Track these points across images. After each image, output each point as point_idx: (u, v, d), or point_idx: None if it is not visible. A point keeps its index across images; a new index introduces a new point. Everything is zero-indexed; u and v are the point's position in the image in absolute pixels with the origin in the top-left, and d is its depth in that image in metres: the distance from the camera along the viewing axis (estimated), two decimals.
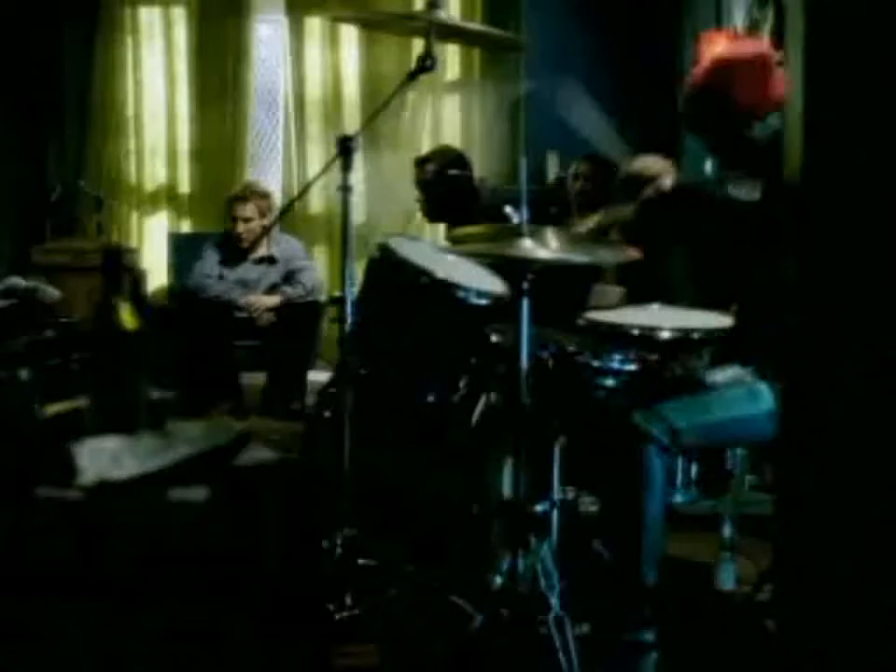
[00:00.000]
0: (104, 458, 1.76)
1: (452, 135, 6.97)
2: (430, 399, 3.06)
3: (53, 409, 1.96)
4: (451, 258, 3.10)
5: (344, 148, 2.82)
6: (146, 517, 1.67)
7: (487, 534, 3.04)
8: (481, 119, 6.83)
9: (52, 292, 4.63)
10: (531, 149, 6.48)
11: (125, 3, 6.97)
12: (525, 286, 2.71)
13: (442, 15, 2.85)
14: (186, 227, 7.06)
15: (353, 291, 2.93)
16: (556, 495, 2.92)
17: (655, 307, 3.49)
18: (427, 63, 2.81)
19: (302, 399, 5.64)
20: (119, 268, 1.87)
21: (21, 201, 6.86)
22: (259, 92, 7.06)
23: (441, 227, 6.85)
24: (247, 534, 1.72)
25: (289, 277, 5.72)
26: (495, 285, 3.07)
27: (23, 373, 1.91)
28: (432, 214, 4.85)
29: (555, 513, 2.89)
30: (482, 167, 6.69)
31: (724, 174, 5.00)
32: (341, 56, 6.95)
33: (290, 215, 6.93)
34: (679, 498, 2.99)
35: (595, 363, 2.84)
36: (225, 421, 2.14)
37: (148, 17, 7.02)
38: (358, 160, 6.83)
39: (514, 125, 6.70)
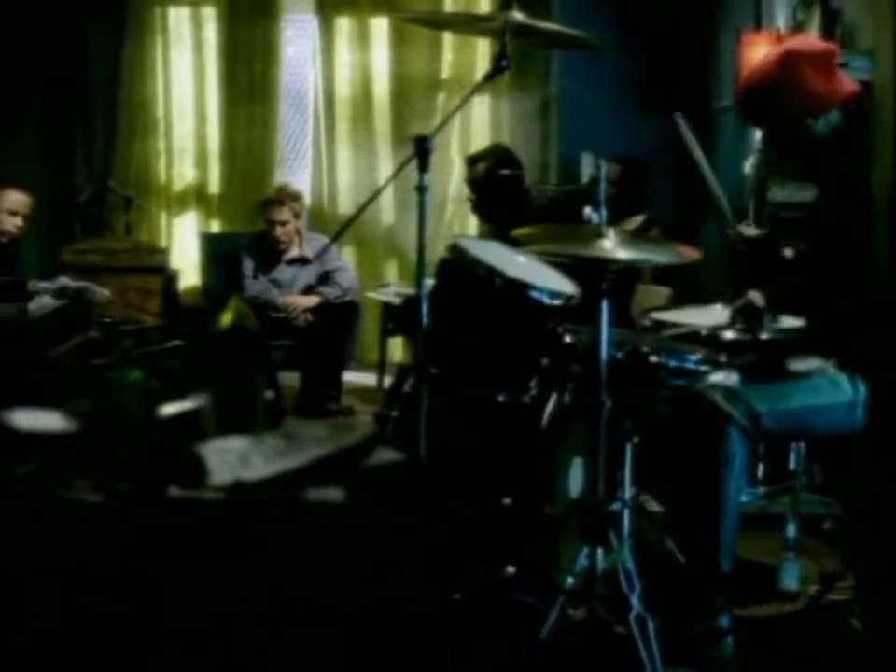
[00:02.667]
0: (231, 459, 1.76)
1: (480, 135, 6.98)
2: (501, 398, 3.06)
3: (167, 409, 1.96)
4: (520, 257, 3.10)
5: (421, 149, 2.82)
6: (285, 518, 1.66)
7: (558, 534, 3.04)
8: (509, 119, 6.83)
9: (102, 292, 4.63)
10: (565, 150, 6.52)
11: (154, 3, 6.97)
12: (605, 286, 2.71)
13: (517, 15, 2.85)
14: (215, 227, 7.07)
15: (424, 292, 2.91)
16: (628, 494, 2.93)
17: (718, 307, 3.50)
18: (503, 64, 2.81)
19: (338, 400, 5.65)
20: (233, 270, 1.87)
21: (50, 201, 6.85)
22: (287, 92, 7.06)
23: (473, 225, 6.87)
24: (380, 535, 1.73)
25: (324, 278, 5.73)
26: (565, 285, 3.07)
27: (136, 374, 1.92)
28: (483, 213, 4.85)
29: (627, 513, 2.90)
30: None
31: (769, 173, 5.04)
32: (370, 56, 6.95)
33: (319, 215, 6.95)
34: (744, 498, 3.00)
35: (673, 363, 2.85)
36: (349, 421, 2.14)
37: (177, 17, 7.03)
38: (387, 160, 6.88)
39: (545, 125, 6.71)
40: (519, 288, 2.98)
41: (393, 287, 6.07)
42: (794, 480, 3.37)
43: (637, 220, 5.31)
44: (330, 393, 5.58)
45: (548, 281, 3.04)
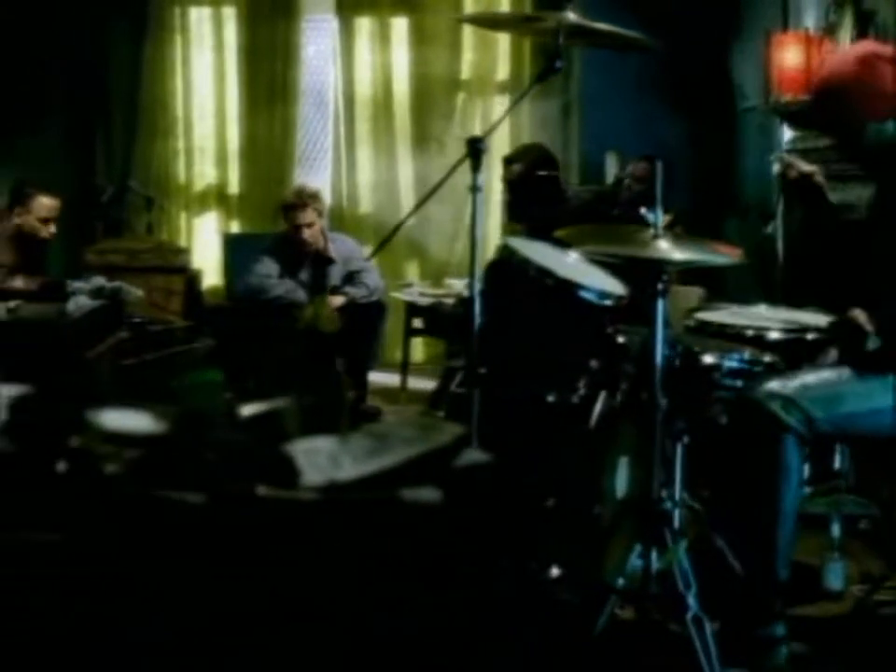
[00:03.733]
0: (321, 459, 1.76)
1: (501, 136, 6.97)
2: (550, 398, 3.06)
3: (247, 409, 1.96)
4: (568, 258, 3.11)
5: (474, 150, 2.82)
6: (382, 518, 1.67)
7: (607, 535, 3.05)
8: (530, 120, 6.83)
9: (135, 292, 4.63)
10: (587, 150, 6.52)
11: (175, 3, 6.98)
12: (660, 287, 2.72)
13: (571, 16, 2.85)
14: (235, 227, 7.07)
15: (475, 292, 2.90)
16: (680, 494, 2.93)
17: (762, 307, 3.51)
18: (556, 65, 2.82)
19: (364, 399, 5.65)
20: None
21: (71, 201, 6.85)
22: (307, 92, 7.06)
23: (495, 224, 6.88)
24: (475, 536, 1.73)
25: (350, 278, 5.71)
26: (615, 286, 3.07)
27: (214, 374, 1.92)
28: (518, 214, 4.84)
29: (679, 513, 2.90)
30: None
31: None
32: (390, 56, 6.95)
33: (339, 215, 6.95)
34: None
35: (727, 364, 2.85)
36: (434, 422, 2.14)
37: (198, 17, 7.03)
38: (408, 161, 6.89)
39: (567, 124, 6.71)
40: (569, 289, 2.98)
41: (416, 287, 6.06)
42: (837, 480, 3.39)
43: (665, 219, 5.30)
44: (357, 393, 5.57)
45: (598, 281, 3.04)
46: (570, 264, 3.11)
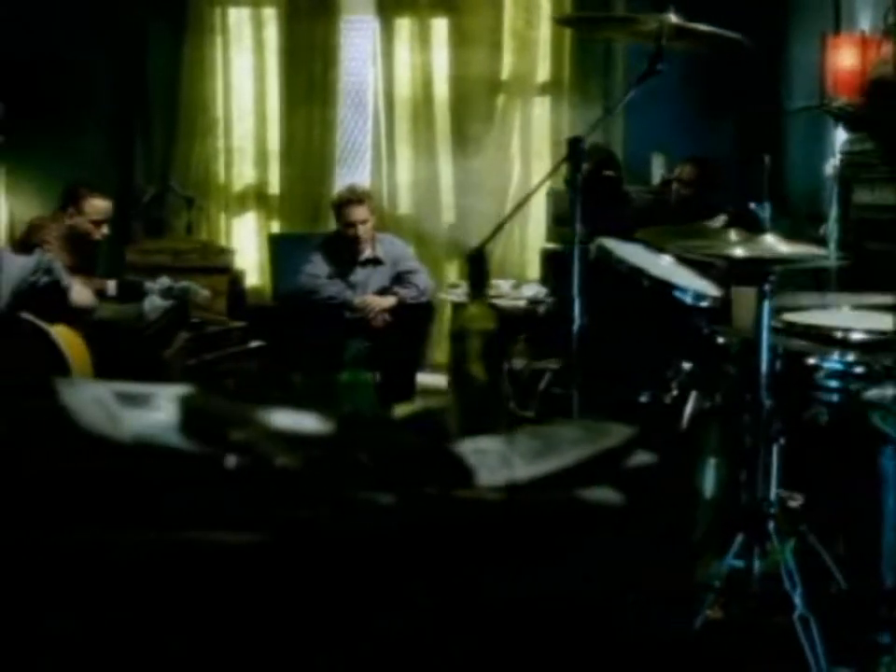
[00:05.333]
0: (491, 459, 1.76)
1: (541, 137, 6.99)
2: (643, 399, 3.06)
3: (402, 410, 1.97)
4: (660, 259, 3.11)
5: (574, 150, 2.83)
6: (567, 518, 1.67)
7: (702, 535, 3.05)
8: (570, 120, 6.83)
9: (203, 292, 4.62)
10: (633, 151, 6.51)
11: (214, 3, 6.97)
12: (767, 286, 2.72)
13: (673, 17, 2.85)
14: (274, 227, 7.07)
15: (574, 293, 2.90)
16: (776, 495, 2.93)
17: (846, 308, 3.51)
18: (658, 67, 2.82)
19: (412, 400, 5.64)
20: (481, 269, 1.88)
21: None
22: (347, 93, 7.06)
23: (534, 225, 6.88)
24: (647, 538, 1.73)
25: (399, 279, 5.71)
26: (708, 287, 3.08)
27: (368, 376, 1.92)
28: (582, 214, 4.82)
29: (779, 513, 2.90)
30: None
31: (853, 175, 5.05)
32: (430, 57, 6.95)
33: (379, 215, 6.94)
34: None
35: (829, 365, 2.85)
36: (597, 423, 2.14)
37: (238, 17, 7.03)
38: (448, 162, 6.89)
39: (608, 125, 6.70)
40: (664, 289, 2.99)
41: (463, 288, 6.06)
42: None
43: (721, 219, 5.31)
44: (405, 393, 5.57)
45: (692, 282, 3.05)
46: (664, 265, 3.12)
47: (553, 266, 5.92)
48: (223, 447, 1.70)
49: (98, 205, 5.14)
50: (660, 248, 3.09)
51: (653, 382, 3.07)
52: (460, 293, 6.03)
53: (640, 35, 3.00)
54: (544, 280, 5.96)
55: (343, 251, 5.73)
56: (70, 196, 5.21)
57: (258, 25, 6.99)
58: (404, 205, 7.01)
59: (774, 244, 2.73)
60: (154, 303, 4.23)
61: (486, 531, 1.67)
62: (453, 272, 6.92)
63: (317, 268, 5.69)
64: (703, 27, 2.93)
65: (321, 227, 6.84)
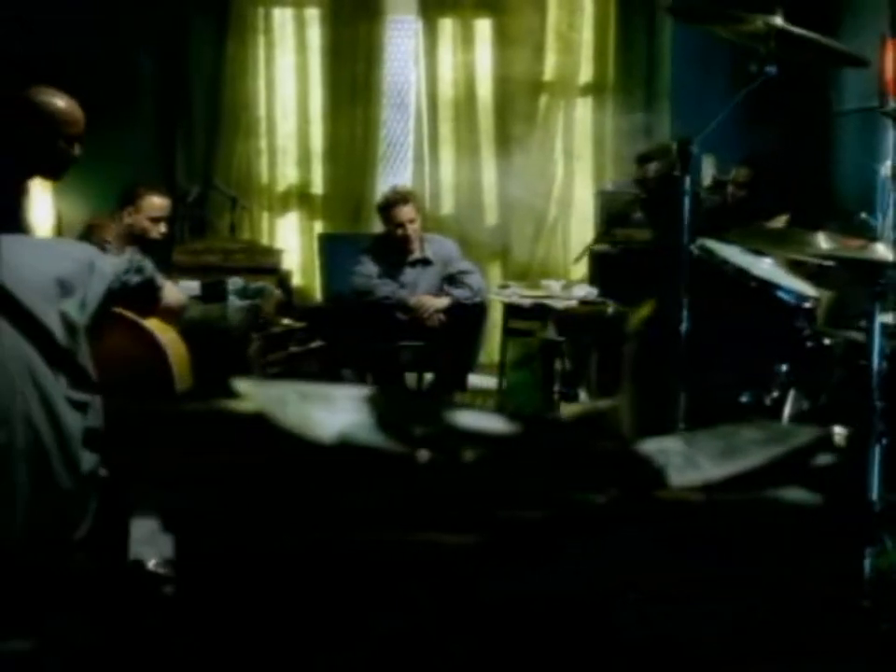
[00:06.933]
0: (676, 460, 1.76)
1: (583, 138, 7.00)
2: (744, 399, 3.07)
3: (571, 410, 1.98)
4: (760, 260, 3.12)
5: (683, 151, 2.84)
6: (768, 518, 1.67)
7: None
8: (613, 121, 6.84)
9: (277, 292, 4.63)
10: None
11: (258, 4, 6.98)
12: (878, 289, 2.73)
13: (779, 20, 2.86)
14: (317, 227, 7.07)
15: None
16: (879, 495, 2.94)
17: None
18: (767, 70, 2.83)
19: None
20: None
21: None
22: (390, 93, 7.07)
23: (575, 227, 6.88)
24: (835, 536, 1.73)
25: (452, 280, 5.71)
26: (806, 287, 3.09)
27: (527, 376, 1.93)
28: (650, 214, 4.85)
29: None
30: (616, 171, 6.73)
31: None
32: (473, 57, 6.96)
33: (421, 215, 6.94)
34: None
35: None
36: (777, 425, 2.15)
37: (281, 17, 7.04)
38: (490, 161, 6.90)
39: (655, 127, 6.71)
40: (768, 289, 3.00)
41: (514, 289, 6.06)
42: None
43: (782, 220, 5.32)
44: (458, 394, 5.58)
45: (794, 283, 3.06)
46: (763, 266, 3.13)
47: (601, 267, 5.93)
48: (414, 444, 1.71)
49: (155, 202, 5.13)
50: (756, 251, 3.10)
51: (755, 382, 3.08)
52: (511, 293, 6.03)
53: (741, 34, 3.00)
54: (592, 280, 5.96)
55: (393, 252, 5.74)
56: (128, 194, 5.21)
57: (300, 25, 7.00)
58: (446, 206, 7.02)
59: (885, 251, 2.74)
60: (234, 304, 4.24)
61: (689, 531, 1.68)
62: (496, 273, 6.93)
63: (368, 268, 5.69)
64: (813, 35, 2.93)
65: (363, 227, 6.85)
